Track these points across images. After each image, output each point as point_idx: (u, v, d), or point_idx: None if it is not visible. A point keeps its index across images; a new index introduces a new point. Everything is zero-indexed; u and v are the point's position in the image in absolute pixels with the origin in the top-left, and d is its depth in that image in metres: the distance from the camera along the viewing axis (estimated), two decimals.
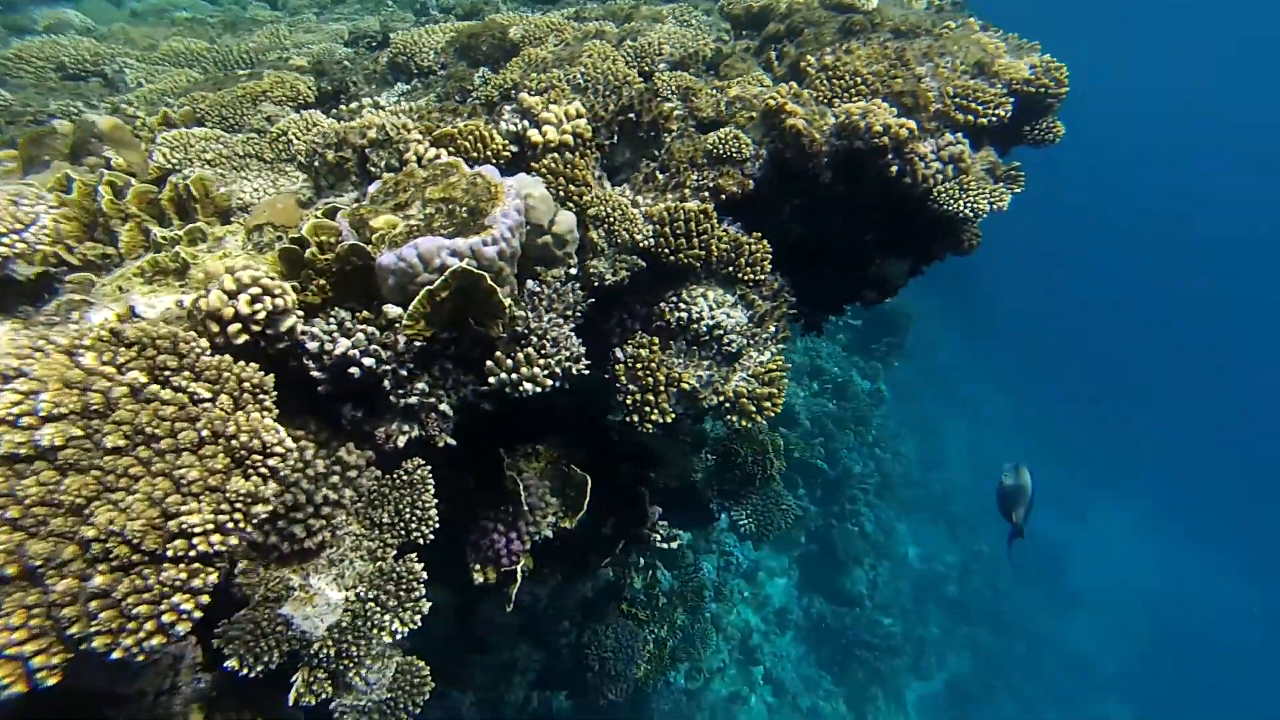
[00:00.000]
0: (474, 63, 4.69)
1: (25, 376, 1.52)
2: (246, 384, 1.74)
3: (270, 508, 1.65)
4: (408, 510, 2.47)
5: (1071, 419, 22.42)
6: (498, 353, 2.66)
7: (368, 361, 2.35)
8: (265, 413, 1.74)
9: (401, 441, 2.60)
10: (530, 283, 2.98)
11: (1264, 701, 17.28)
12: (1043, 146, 3.95)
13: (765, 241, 3.31)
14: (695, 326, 3.11)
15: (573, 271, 3.13)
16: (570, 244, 3.13)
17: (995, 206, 3.54)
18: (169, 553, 1.44)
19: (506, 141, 3.43)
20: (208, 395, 1.66)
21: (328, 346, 2.33)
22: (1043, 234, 28.63)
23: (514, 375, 2.61)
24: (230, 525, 1.53)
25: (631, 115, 3.64)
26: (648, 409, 3.03)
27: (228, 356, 1.77)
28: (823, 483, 11.64)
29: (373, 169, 2.91)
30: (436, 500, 2.63)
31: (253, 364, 1.82)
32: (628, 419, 3.06)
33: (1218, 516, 22.39)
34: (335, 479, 2.35)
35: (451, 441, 2.71)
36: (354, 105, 4.04)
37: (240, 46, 5.10)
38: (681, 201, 3.31)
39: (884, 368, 13.65)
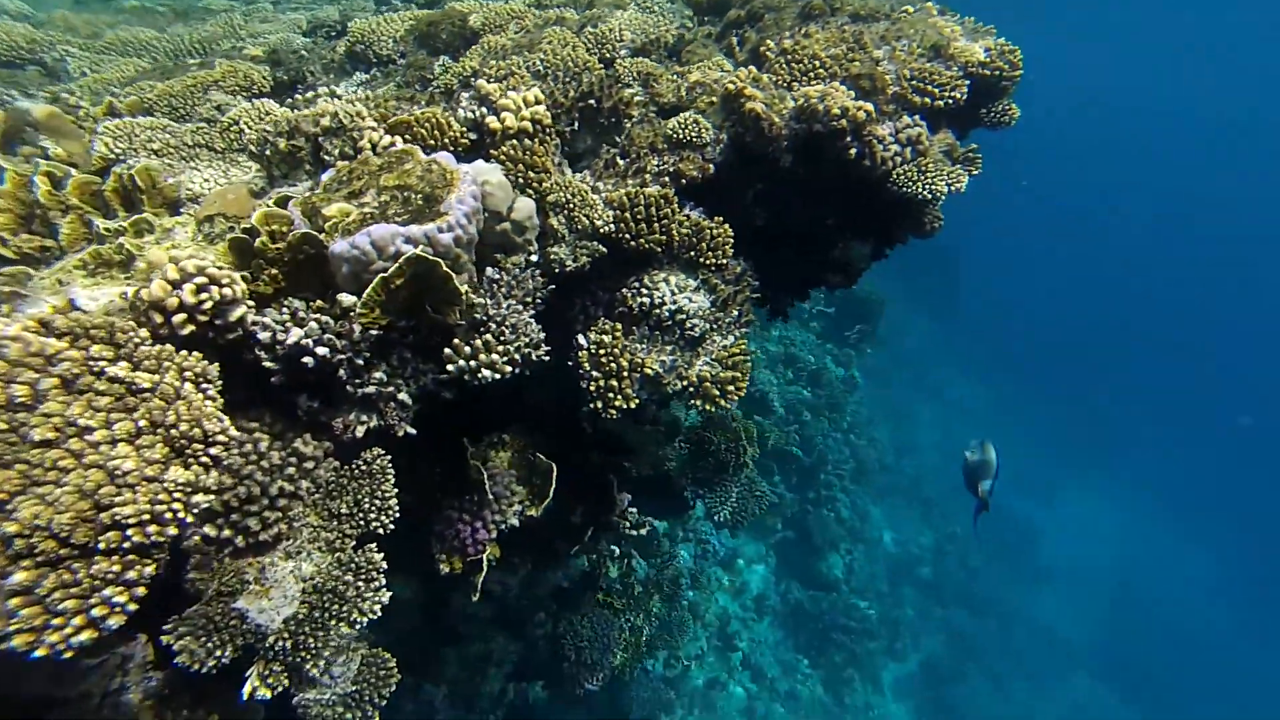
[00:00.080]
0: (434, 51, 4.62)
1: None
2: (189, 373, 1.70)
3: (213, 498, 1.61)
4: (367, 500, 2.45)
5: (1038, 402, 22.95)
6: (456, 340, 2.63)
7: (321, 351, 2.31)
8: (209, 401, 1.70)
9: (360, 432, 2.57)
10: (490, 270, 2.96)
11: (1217, 667, 18.14)
12: (999, 129, 4.01)
13: (727, 226, 3.32)
14: (658, 312, 3.11)
15: (533, 258, 3.12)
16: (530, 231, 3.10)
17: (953, 188, 3.59)
18: (100, 545, 1.40)
19: (465, 129, 3.39)
20: (147, 385, 1.62)
21: (280, 336, 2.28)
22: (1007, 219, 29.21)
23: (473, 362, 2.59)
24: (169, 516, 1.49)
25: (592, 102, 3.62)
26: (611, 395, 3.03)
27: (169, 346, 1.72)
28: (798, 470, 11.76)
29: (327, 157, 2.86)
30: (398, 490, 2.61)
31: (196, 353, 1.77)
32: (592, 405, 3.06)
33: (1177, 494, 23.21)
34: (291, 470, 2.31)
35: (411, 431, 2.69)
36: (310, 95, 3.97)
37: (192, 36, 4.95)
38: (642, 187, 3.31)
39: (857, 354, 13.82)
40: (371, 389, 2.57)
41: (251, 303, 2.24)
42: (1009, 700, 13.91)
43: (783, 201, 3.73)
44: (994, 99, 4.00)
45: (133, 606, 1.47)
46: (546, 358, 2.83)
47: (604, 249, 3.18)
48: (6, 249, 2.15)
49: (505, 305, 2.79)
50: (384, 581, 2.35)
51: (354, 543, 2.39)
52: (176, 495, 1.52)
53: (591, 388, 3.07)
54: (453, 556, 3.12)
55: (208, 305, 1.92)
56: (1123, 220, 37.79)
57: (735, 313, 3.34)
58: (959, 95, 3.67)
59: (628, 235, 3.15)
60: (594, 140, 3.73)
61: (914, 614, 13.43)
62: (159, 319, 1.81)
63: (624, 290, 3.22)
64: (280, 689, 2.07)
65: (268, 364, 2.28)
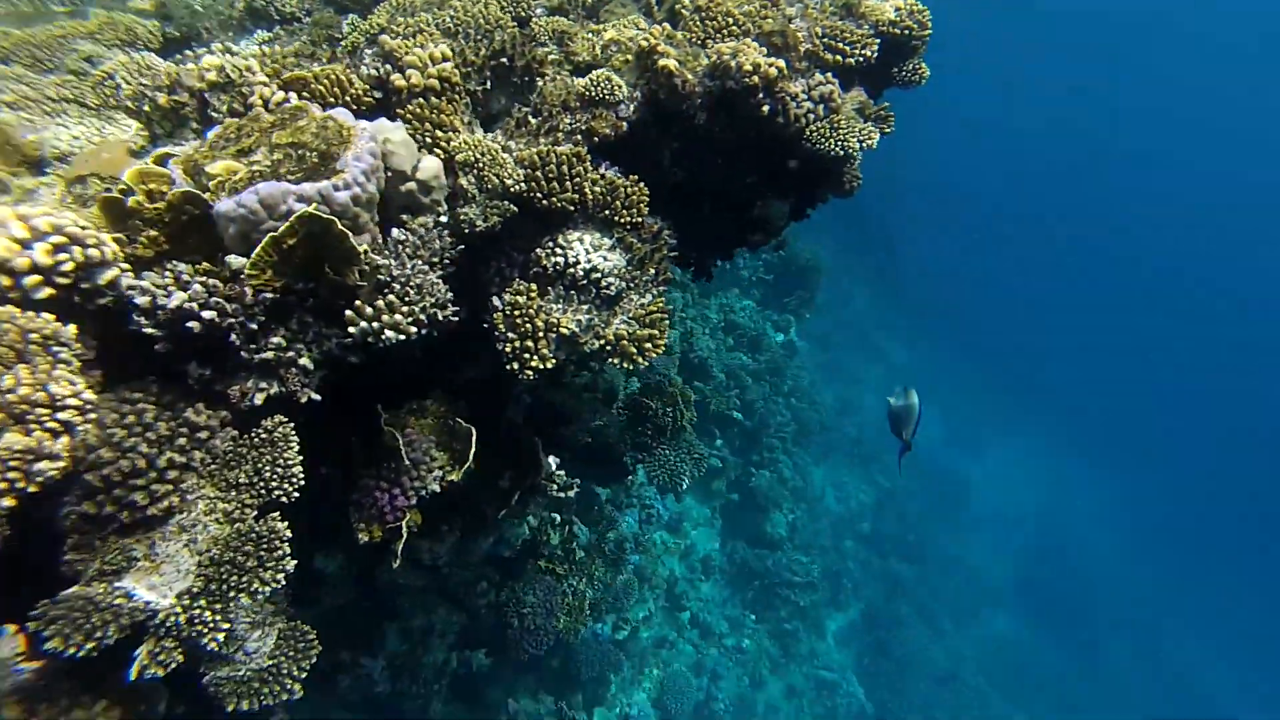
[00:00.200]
0: (341, 9, 4.41)
1: None
2: (35, 335, 1.60)
3: (62, 465, 1.53)
4: (268, 469, 2.38)
5: (970, 364, 23.99)
6: (358, 301, 2.56)
7: (208, 315, 2.22)
8: (61, 365, 1.61)
9: (259, 399, 2.49)
10: (395, 231, 2.88)
11: (1123, 600, 19.97)
12: (910, 88, 4.10)
13: (642, 184, 3.30)
14: (572, 271, 3.09)
15: (442, 219, 3.05)
16: (437, 191, 3.03)
17: (865, 145, 3.66)
18: None
19: (368, 87, 3.26)
20: None
21: (161, 301, 2.18)
22: (941, 193, 30.16)
23: (375, 324, 2.53)
24: (3, 486, 1.41)
25: (505, 60, 3.53)
26: (527, 356, 3.02)
27: (8, 307, 1.61)
28: (740, 434, 12.01)
29: (214, 114, 2.70)
30: (315, 462, 2.55)
31: (46, 314, 1.67)
32: (508, 366, 3.04)
33: (1094, 446, 25.00)
34: (182, 441, 2.22)
35: (316, 396, 2.62)
36: (202, 52, 3.72)
37: None
38: (555, 145, 3.26)
39: (796, 320, 14.10)
40: (269, 354, 2.48)
41: (127, 266, 2.12)
42: (941, 638, 14.79)
43: (701, 160, 3.74)
44: (905, 58, 4.07)
45: None
46: (455, 318, 2.78)
47: (516, 209, 3.13)
48: None
49: (410, 265, 2.73)
50: (289, 550, 2.30)
51: (255, 513, 2.33)
52: (13, 464, 1.44)
53: (507, 349, 3.04)
54: (372, 524, 3.08)
55: (68, 267, 1.81)
56: (1042, 195, 39.47)
57: (652, 271, 3.35)
58: (870, 53, 3.72)
59: (539, 194, 3.10)
60: (508, 100, 3.65)
61: (855, 566, 14.04)
62: (7, 281, 1.69)
63: (538, 250, 3.18)
64: (174, 665, 2.02)
65: (149, 330, 2.17)
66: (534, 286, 3.12)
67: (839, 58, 3.68)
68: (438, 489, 3.23)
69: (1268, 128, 40.84)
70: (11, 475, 1.42)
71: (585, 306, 3.15)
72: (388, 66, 3.29)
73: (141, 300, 2.12)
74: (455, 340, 3.38)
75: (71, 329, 1.73)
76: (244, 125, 2.59)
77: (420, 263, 2.79)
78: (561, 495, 4.01)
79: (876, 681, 12.72)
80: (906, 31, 3.92)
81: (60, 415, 1.54)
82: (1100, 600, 19.23)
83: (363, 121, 2.79)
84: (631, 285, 3.28)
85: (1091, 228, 40.56)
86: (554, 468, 4.03)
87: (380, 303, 2.60)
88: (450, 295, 2.80)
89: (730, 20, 3.64)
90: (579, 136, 3.33)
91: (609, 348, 3.14)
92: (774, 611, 11.60)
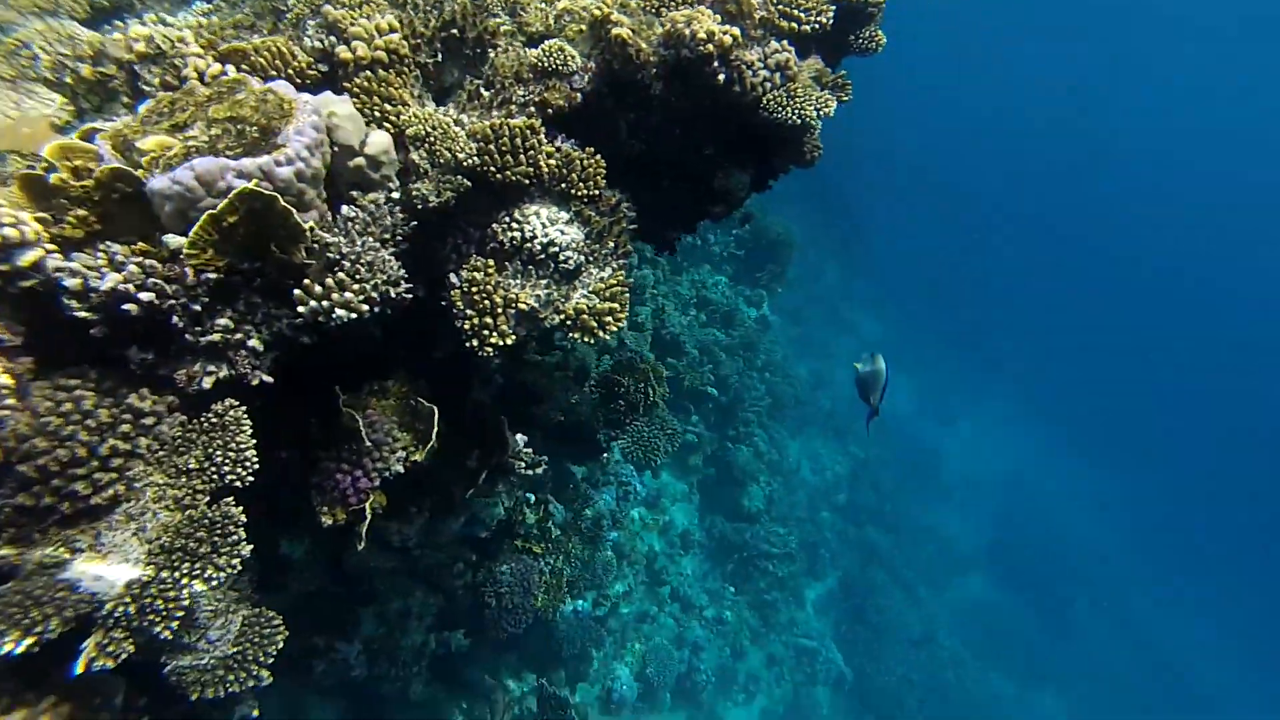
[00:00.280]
0: None
1: None
2: None
3: None
4: (219, 454, 2.33)
5: (942, 336, 24.39)
6: (306, 280, 2.50)
7: (146, 297, 2.15)
8: None
9: (208, 383, 2.43)
10: (345, 208, 2.81)
11: (1091, 561, 20.74)
12: (868, 55, 4.08)
13: (599, 156, 3.26)
14: (529, 245, 3.05)
15: (394, 196, 2.98)
16: (387, 166, 2.96)
17: (822, 113, 3.64)
18: None
19: (312, 60, 3.15)
20: None
21: (94, 283, 2.10)
22: (911, 172, 30.37)
23: (325, 303, 2.47)
24: None
25: (456, 31, 3.43)
26: (486, 332, 2.98)
27: None
28: (716, 409, 12.09)
29: (146, 88, 2.59)
30: (277, 447, 2.50)
31: None
32: (467, 344, 3.00)
33: (1063, 416, 25.72)
34: (126, 427, 2.16)
35: (268, 379, 2.56)
36: (134, 22, 3.56)
37: None
38: (508, 118, 3.19)
39: (768, 295, 14.16)
40: (216, 336, 2.42)
41: (54, 247, 2.03)
42: (917, 604, 15.19)
43: (659, 131, 3.70)
44: (861, 25, 4.05)
45: None
46: (409, 296, 2.74)
47: (470, 183, 3.06)
48: None
49: (360, 243, 2.67)
50: (244, 535, 2.27)
51: (207, 498, 2.28)
52: None
53: (466, 326, 3.01)
54: (335, 507, 3.04)
55: None
56: (1009, 164, 39.90)
57: (612, 244, 3.32)
58: (825, 20, 3.69)
59: (493, 168, 3.04)
60: (460, 73, 3.55)
61: (831, 536, 14.29)
62: None
63: (495, 225, 3.13)
64: (125, 656, 1.97)
65: (83, 314, 2.09)
66: (491, 262, 3.07)
67: (794, 25, 3.64)
68: (401, 470, 3.19)
69: (1231, 86, 41.73)
70: None
71: (544, 281, 3.12)
72: (332, 39, 3.18)
73: (71, 283, 2.05)
74: (415, 319, 3.33)
75: None
76: (178, 99, 2.49)
77: (371, 240, 2.73)
78: (530, 473, 4.00)
79: (854, 648, 13.05)
80: None
81: None
82: (1069, 562, 19.89)
83: (305, 95, 2.71)
84: (591, 259, 3.25)
85: (1054, 195, 41.27)
86: (521, 445, 4.01)
87: (330, 281, 2.54)
88: (403, 272, 2.75)
89: None
90: (532, 108, 3.26)
91: (569, 322, 3.12)
92: (753, 583, 11.79)
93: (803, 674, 11.79)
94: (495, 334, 2.99)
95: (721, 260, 13.68)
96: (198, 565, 2.14)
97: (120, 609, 1.95)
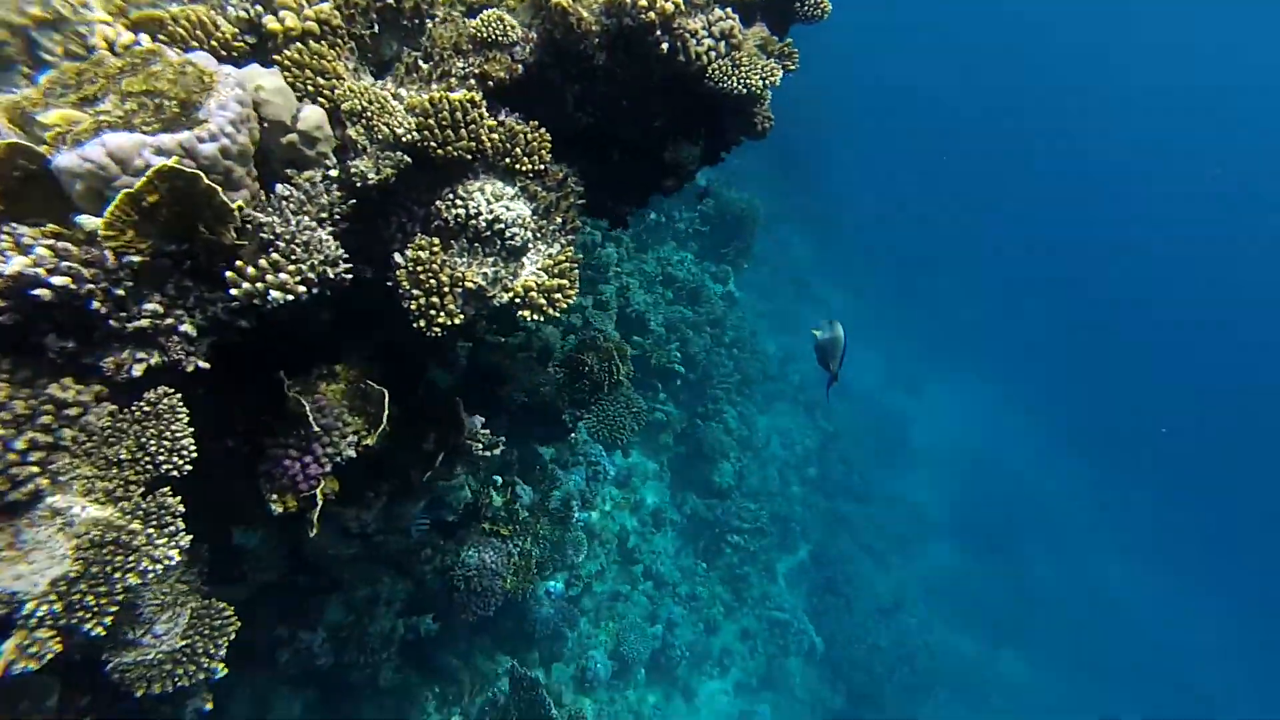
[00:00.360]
0: None
1: None
2: None
3: None
4: (153, 443, 2.26)
5: (909, 308, 24.77)
6: (239, 262, 2.42)
7: (59, 281, 2.05)
8: None
9: (138, 370, 2.34)
10: (279, 187, 2.72)
11: (1054, 527, 21.53)
12: (813, 22, 4.05)
13: (543, 130, 3.20)
14: (475, 222, 2.99)
15: (331, 173, 2.89)
16: (323, 143, 2.86)
17: (768, 82, 3.62)
18: None
19: (238, 30, 3.02)
20: None
21: None
22: (882, 143, 30.56)
23: (259, 284, 2.40)
24: None
25: (392, 1, 3.32)
26: (434, 312, 2.93)
27: None
28: (684, 386, 12.13)
29: (47, 56, 2.45)
30: (193, 429, 2.42)
31: None
32: (415, 324, 2.94)
33: (1028, 384, 26.40)
34: (46, 419, 2.08)
35: (204, 365, 2.48)
36: None
37: None
38: (447, 91, 3.11)
39: (735, 271, 14.19)
40: (145, 322, 2.33)
41: None
42: (887, 571, 15.59)
43: (606, 103, 3.64)
44: None
45: None
46: (348, 276, 2.67)
47: (411, 160, 2.99)
48: None
49: (295, 222, 2.58)
50: (182, 526, 2.20)
51: (141, 489, 2.21)
52: None
53: (413, 306, 2.94)
54: (284, 495, 2.98)
55: None
56: (972, 130, 40.28)
57: (560, 220, 3.28)
58: None
59: (434, 143, 2.96)
60: (399, 45, 3.44)
61: (802, 509, 14.54)
62: None
63: (439, 203, 3.06)
64: (48, 657, 1.91)
65: None
66: (437, 241, 3.01)
67: None
68: (354, 454, 3.14)
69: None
70: None
71: (491, 259, 3.06)
72: (259, 8, 3.04)
73: None
74: (366, 301, 3.25)
75: None
76: (85, 70, 2.36)
77: (307, 219, 2.65)
78: (488, 454, 3.97)
79: (826, 618, 13.33)
80: None
81: None
82: (1035, 530, 20.58)
83: (228, 67, 2.59)
84: (539, 235, 3.20)
85: (1020, 163, 41.87)
86: (479, 426, 3.97)
87: (263, 262, 2.46)
88: (342, 252, 2.68)
89: None
90: (473, 81, 3.18)
91: (519, 300, 3.08)
92: (726, 558, 11.95)
93: (775, 646, 12.03)
94: (443, 314, 2.93)
95: (687, 237, 13.65)
96: (132, 558, 2.07)
97: (44, 608, 1.89)
